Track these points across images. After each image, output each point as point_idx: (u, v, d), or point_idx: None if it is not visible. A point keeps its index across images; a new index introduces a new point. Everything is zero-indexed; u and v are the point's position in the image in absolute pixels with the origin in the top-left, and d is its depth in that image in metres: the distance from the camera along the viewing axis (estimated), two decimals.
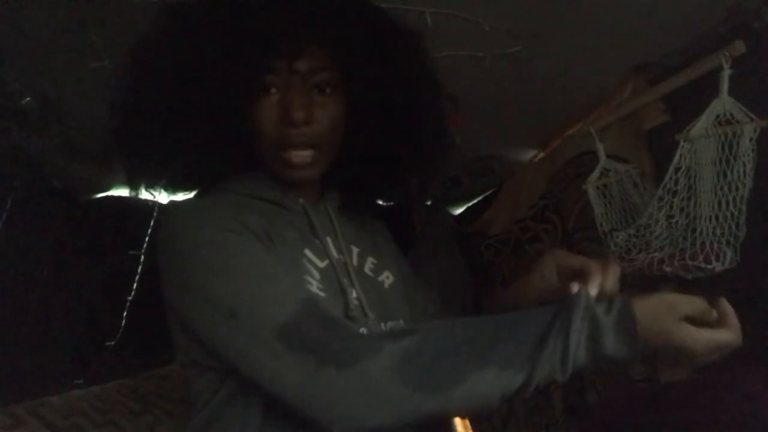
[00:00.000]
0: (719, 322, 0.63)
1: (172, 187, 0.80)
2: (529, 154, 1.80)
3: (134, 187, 0.77)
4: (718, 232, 1.00)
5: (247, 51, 0.67)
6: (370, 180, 0.85)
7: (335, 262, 0.75)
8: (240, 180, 0.78)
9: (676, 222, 1.07)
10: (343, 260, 0.77)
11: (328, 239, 0.78)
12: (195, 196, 0.80)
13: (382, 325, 0.75)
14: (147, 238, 1.59)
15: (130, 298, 1.60)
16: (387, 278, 0.83)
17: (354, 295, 0.74)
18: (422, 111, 0.79)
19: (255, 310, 0.60)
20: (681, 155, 1.04)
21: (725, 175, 1.00)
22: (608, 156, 1.31)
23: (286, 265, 0.69)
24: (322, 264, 0.74)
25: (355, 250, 0.82)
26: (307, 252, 0.74)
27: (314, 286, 0.70)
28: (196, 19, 0.70)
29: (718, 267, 1.00)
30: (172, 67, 0.69)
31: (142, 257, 1.60)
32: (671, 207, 1.07)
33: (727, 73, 1.01)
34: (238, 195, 0.77)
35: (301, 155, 0.72)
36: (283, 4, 0.69)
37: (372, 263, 0.83)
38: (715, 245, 1.00)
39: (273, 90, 0.71)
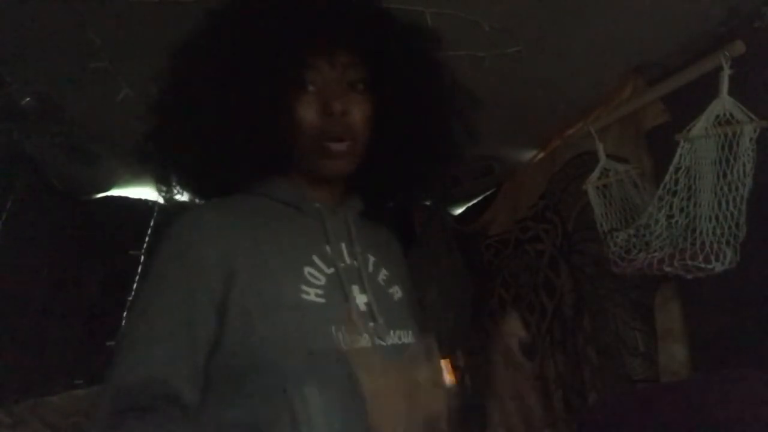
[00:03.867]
0: None
1: (201, 189, 0.83)
2: (529, 154, 1.80)
3: (166, 185, 0.81)
4: (718, 232, 1.00)
5: (288, 48, 0.71)
6: (393, 183, 0.88)
7: (342, 269, 0.76)
8: (264, 182, 0.80)
9: (676, 222, 1.07)
10: (357, 266, 0.78)
11: (342, 245, 0.79)
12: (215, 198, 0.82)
13: (392, 332, 0.75)
14: (147, 238, 1.59)
15: (130, 298, 1.60)
16: (396, 292, 0.84)
17: (365, 300, 0.75)
18: (446, 114, 0.83)
19: (123, 358, 0.66)
20: (681, 155, 1.04)
21: (725, 175, 1.00)
22: (608, 156, 1.31)
23: (284, 275, 0.71)
24: (328, 270, 0.75)
25: (372, 259, 0.83)
26: (315, 258, 0.75)
27: (311, 294, 0.71)
28: (239, 17, 0.73)
29: (718, 267, 1.00)
30: (214, 67, 0.72)
31: (142, 257, 1.60)
32: (671, 207, 1.07)
33: (727, 73, 1.01)
34: (258, 197, 0.79)
35: (339, 145, 0.75)
36: (323, 4, 0.73)
37: (384, 275, 0.84)
38: (715, 245, 1.00)
39: (311, 87, 0.75)
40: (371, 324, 0.73)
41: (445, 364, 1.91)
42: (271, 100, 0.72)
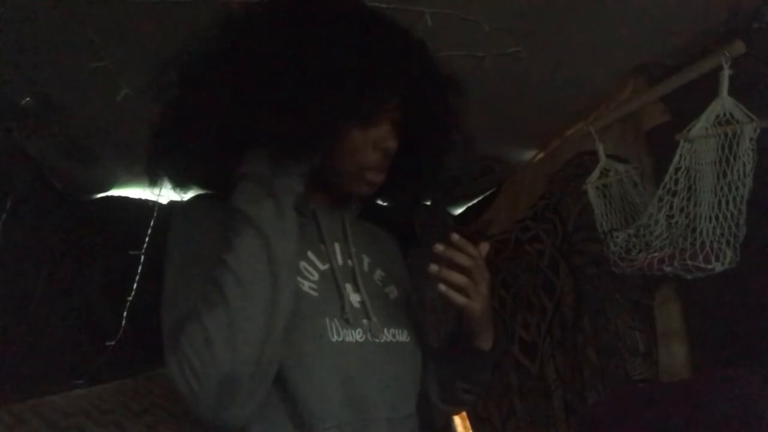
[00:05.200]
0: None
1: (206, 188, 0.81)
2: (529, 154, 1.80)
3: (164, 181, 0.79)
4: (718, 232, 1.00)
5: (363, 87, 0.70)
6: (392, 187, 0.89)
7: (337, 266, 0.78)
8: None
9: (676, 222, 1.07)
10: (351, 265, 0.81)
11: (336, 245, 0.81)
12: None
13: (386, 330, 0.77)
14: (147, 238, 1.59)
15: (130, 298, 1.60)
16: (392, 292, 0.86)
17: (358, 298, 0.78)
18: (453, 140, 0.87)
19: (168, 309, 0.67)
20: (681, 155, 1.04)
21: (725, 175, 1.00)
22: (608, 156, 1.31)
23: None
24: (323, 267, 0.78)
25: (366, 259, 0.85)
26: (310, 254, 0.77)
27: (305, 286, 0.73)
28: (325, 44, 0.69)
29: (718, 267, 1.00)
30: (281, 86, 0.68)
31: (142, 257, 1.60)
32: (671, 207, 1.07)
33: (727, 73, 1.01)
34: None
35: (377, 176, 0.79)
36: (401, 53, 0.74)
37: (380, 275, 0.86)
38: (715, 245, 1.00)
39: (368, 122, 0.76)
40: (365, 321, 0.76)
41: None
42: (336, 130, 0.73)
